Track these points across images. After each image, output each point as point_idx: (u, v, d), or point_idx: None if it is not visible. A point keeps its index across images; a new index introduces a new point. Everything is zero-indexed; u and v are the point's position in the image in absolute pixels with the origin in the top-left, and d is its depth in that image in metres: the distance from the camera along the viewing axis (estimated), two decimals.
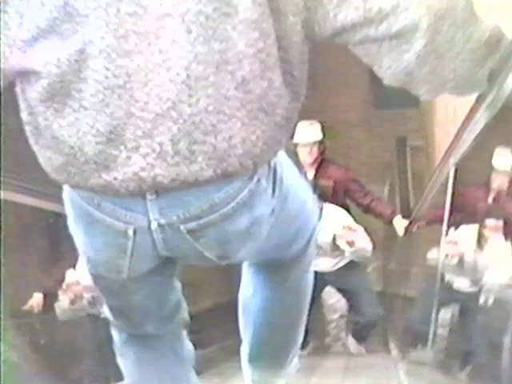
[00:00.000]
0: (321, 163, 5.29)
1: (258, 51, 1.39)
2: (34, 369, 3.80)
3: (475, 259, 3.49)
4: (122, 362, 1.99)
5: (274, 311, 2.08)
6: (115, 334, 1.95)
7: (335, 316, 6.43)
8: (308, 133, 5.12)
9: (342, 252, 5.36)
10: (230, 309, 2.38)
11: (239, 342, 2.39)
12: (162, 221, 1.53)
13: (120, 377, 2.52)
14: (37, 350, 3.99)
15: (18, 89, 1.50)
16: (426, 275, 4.57)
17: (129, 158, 1.42)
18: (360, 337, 5.83)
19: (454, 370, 3.53)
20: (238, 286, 2.26)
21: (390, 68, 1.48)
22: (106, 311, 1.93)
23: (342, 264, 5.47)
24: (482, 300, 3.03)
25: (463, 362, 3.49)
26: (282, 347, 2.18)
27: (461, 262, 3.85)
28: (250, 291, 2.09)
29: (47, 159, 1.52)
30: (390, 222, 5.42)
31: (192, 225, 1.54)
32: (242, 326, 2.16)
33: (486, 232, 3.43)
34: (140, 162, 1.42)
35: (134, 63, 1.37)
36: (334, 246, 5.28)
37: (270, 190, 1.63)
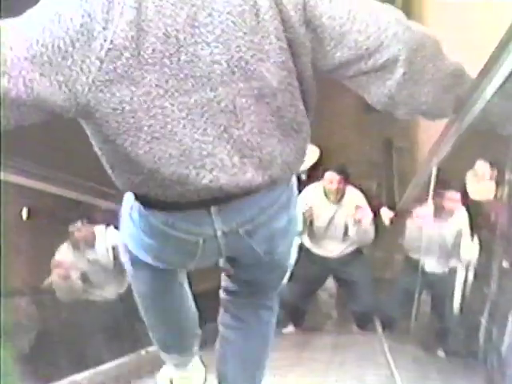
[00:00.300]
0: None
1: (288, 85, 1.70)
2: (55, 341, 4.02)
3: (440, 233, 3.41)
4: (134, 284, 2.28)
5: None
6: (129, 263, 2.22)
7: (325, 296, 6.56)
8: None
9: (349, 237, 5.48)
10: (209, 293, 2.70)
11: None
12: (225, 229, 1.87)
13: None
14: (58, 323, 4.17)
15: (89, 127, 1.73)
16: (406, 261, 4.64)
17: (198, 174, 1.71)
18: (361, 324, 5.93)
19: (434, 347, 3.55)
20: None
21: (376, 94, 1.79)
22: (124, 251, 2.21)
23: (347, 251, 5.54)
24: (461, 276, 2.94)
25: (440, 339, 3.49)
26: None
27: (426, 238, 3.83)
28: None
29: (126, 179, 1.81)
30: (377, 213, 5.53)
31: (247, 227, 1.88)
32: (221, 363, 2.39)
33: (446, 204, 3.39)
34: (208, 176, 1.71)
35: (192, 99, 1.65)
36: (345, 230, 5.40)
37: (296, 195, 2.02)
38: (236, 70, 1.66)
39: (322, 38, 1.72)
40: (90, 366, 3.82)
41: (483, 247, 2.87)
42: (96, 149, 1.78)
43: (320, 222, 5.32)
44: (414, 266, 4.05)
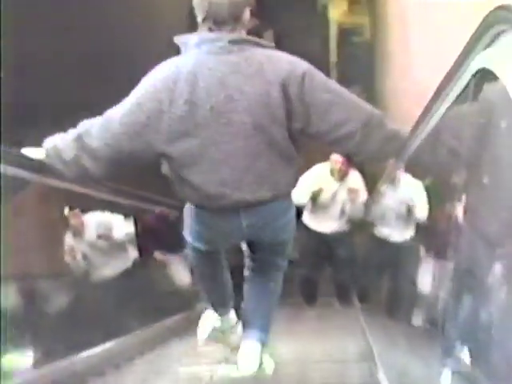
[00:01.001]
0: None
1: (286, 138, 2.30)
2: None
3: (394, 201, 3.37)
4: (195, 268, 2.75)
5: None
6: (191, 253, 2.68)
7: None
8: None
9: (345, 215, 5.49)
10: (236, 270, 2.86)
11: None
12: (248, 223, 2.39)
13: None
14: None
15: (164, 162, 2.35)
16: (374, 239, 4.57)
17: (231, 194, 2.29)
18: (342, 298, 5.90)
19: (403, 318, 3.48)
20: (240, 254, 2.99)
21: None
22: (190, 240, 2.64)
23: (341, 230, 5.55)
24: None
25: (405, 310, 3.42)
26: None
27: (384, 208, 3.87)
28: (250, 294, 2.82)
29: (186, 193, 2.38)
30: None
31: (260, 223, 2.40)
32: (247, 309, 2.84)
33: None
34: (238, 195, 2.29)
35: (228, 147, 2.25)
36: (342, 211, 5.42)
37: (292, 206, 2.56)
38: (257, 129, 2.27)
39: (311, 113, 2.30)
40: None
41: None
42: (170, 174, 2.38)
43: (325, 195, 5.32)
44: (381, 242, 4.06)
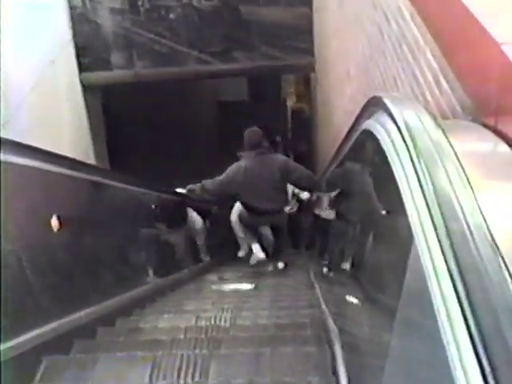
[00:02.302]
0: None
1: (281, 185, 2.97)
2: None
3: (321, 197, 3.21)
4: (236, 228, 3.48)
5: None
6: (236, 216, 3.40)
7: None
8: None
9: (295, 203, 5.20)
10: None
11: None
12: (267, 218, 3.11)
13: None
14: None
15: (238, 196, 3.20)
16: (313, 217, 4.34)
17: (261, 206, 2.99)
18: (295, 247, 5.52)
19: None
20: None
21: (299, 186, 3.33)
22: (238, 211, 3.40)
23: (292, 210, 5.25)
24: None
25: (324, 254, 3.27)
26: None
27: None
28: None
29: (246, 204, 3.11)
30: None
31: (272, 218, 3.10)
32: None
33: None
34: (263, 207, 2.99)
35: (260, 191, 2.91)
36: (292, 199, 5.20)
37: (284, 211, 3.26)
38: (271, 185, 2.96)
39: (289, 175, 3.01)
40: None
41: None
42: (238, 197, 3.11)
43: None
44: (317, 218, 3.82)
